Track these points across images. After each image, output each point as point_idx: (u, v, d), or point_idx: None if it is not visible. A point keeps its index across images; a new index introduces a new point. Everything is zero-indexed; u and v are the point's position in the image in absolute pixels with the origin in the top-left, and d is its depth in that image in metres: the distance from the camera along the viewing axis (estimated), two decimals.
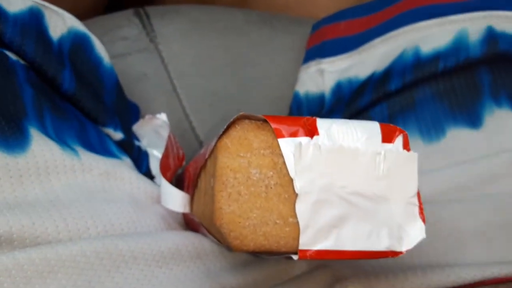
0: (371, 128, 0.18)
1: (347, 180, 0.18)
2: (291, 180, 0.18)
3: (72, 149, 0.23)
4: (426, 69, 0.29)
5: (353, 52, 0.34)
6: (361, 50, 0.33)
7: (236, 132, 0.18)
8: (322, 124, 0.18)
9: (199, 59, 0.36)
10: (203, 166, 0.21)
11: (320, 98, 0.34)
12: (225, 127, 0.18)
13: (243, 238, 0.17)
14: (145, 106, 0.33)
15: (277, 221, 0.18)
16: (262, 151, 0.18)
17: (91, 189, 0.22)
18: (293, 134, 0.18)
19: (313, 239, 0.17)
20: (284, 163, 0.18)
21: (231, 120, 0.18)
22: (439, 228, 0.26)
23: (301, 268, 0.24)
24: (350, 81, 0.33)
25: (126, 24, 0.35)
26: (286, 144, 0.18)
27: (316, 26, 0.37)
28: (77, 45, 0.27)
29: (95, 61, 0.28)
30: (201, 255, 0.22)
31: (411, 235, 0.18)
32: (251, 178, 0.18)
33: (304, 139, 0.18)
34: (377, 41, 0.32)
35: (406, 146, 0.19)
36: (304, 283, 0.23)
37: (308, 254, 0.17)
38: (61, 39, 0.26)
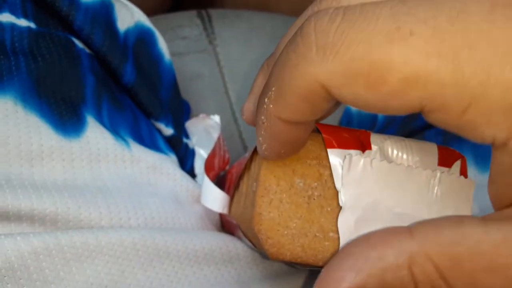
0: (428, 149, 0.18)
1: (396, 200, 0.17)
2: (336, 194, 0.17)
3: (124, 140, 0.23)
4: None
5: None
6: None
7: None
8: (376, 139, 0.17)
9: (255, 66, 0.36)
10: (247, 168, 0.21)
11: (373, 115, 0.33)
12: None
13: (280, 246, 0.17)
14: (196, 105, 0.33)
15: (317, 234, 0.17)
16: (308, 161, 0.18)
17: (138, 181, 0.23)
18: (344, 146, 0.17)
19: None
20: (330, 175, 0.17)
21: None
22: None
23: None
24: None
25: (188, 24, 0.36)
26: (335, 155, 0.17)
27: None
28: (142, 39, 0.27)
29: (157, 56, 0.28)
30: (233, 259, 0.22)
31: None
32: (294, 187, 0.17)
33: (355, 152, 0.17)
34: None
35: (463, 172, 0.18)
36: None
37: None
38: (127, 32, 0.26)
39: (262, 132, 0.16)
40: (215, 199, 0.23)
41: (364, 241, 0.15)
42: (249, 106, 0.19)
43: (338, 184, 0.17)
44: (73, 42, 0.24)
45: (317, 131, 0.18)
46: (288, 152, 0.17)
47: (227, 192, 0.24)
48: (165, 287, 0.20)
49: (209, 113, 0.31)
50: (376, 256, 0.14)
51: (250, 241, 0.20)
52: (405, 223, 0.17)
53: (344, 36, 0.13)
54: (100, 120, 0.23)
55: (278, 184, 0.17)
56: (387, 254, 0.14)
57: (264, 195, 0.17)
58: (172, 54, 0.33)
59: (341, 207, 0.17)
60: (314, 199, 0.17)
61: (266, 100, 0.15)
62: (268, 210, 0.17)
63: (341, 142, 0.17)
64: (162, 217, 0.22)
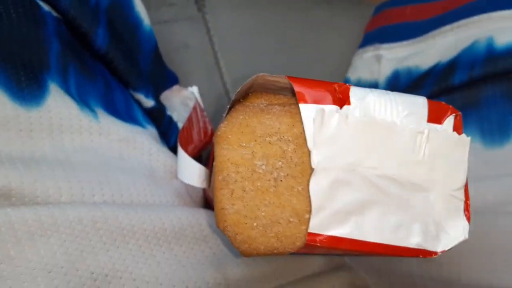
0: (417, 103, 0.15)
1: (378, 160, 0.15)
2: (305, 169, 0.15)
3: (92, 111, 0.22)
4: (500, 64, 0.25)
5: (417, 40, 0.30)
6: (426, 38, 0.30)
7: (236, 119, 0.15)
8: (356, 92, 0.15)
9: (248, 33, 0.34)
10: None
11: (373, 86, 0.31)
12: (228, 108, 0.16)
13: (252, 241, 0.15)
14: (185, 76, 0.31)
15: (291, 219, 0.15)
16: (267, 139, 0.15)
17: (106, 154, 0.21)
18: (318, 101, 0.15)
19: (327, 222, 0.15)
20: (295, 150, 0.15)
21: (238, 89, 0.16)
22: (487, 243, 0.23)
23: (317, 267, 0.22)
24: (409, 71, 0.29)
25: None
26: (308, 112, 0.15)
27: (379, 9, 0.34)
28: (116, 1, 0.25)
29: (134, 21, 0.26)
30: (207, 238, 0.20)
31: (450, 234, 0.15)
32: (256, 171, 0.15)
33: (329, 107, 0.15)
34: (445, 28, 0.29)
35: (457, 129, 0.15)
36: (316, 285, 0.21)
37: (318, 239, 0.15)
38: None
39: None
40: (192, 172, 0.21)
41: None
42: None
43: (310, 144, 0.15)
44: (37, 5, 0.22)
45: (270, 106, 0.16)
46: None
47: (210, 166, 0.22)
48: (130, 268, 0.18)
49: (198, 85, 0.29)
50: None
51: None
52: (388, 187, 0.15)
53: None
54: (66, 88, 0.21)
55: (238, 171, 0.15)
56: None
57: (223, 187, 0.15)
58: (158, 21, 0.31)
59: (313, 170, 0.15)
60: (281, 180, 0.15)
61: None
62: (231, 203, 0.15)
63: (315, 96, 0.15)
64: (132, 193, 0.20)
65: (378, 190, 0.15)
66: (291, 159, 0.15)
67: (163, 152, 0.23)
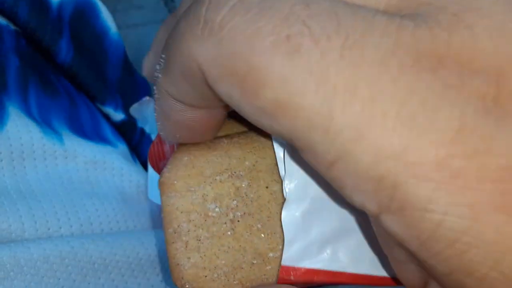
0: None
1: None
2: (262, 204, 0.14)
3: (56, 133, 0.20)
4: None
5: None
6: None
7: (180, 161, 0.14)
8: None
9: None
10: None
11: None
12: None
13: None
14: None
15: (254, 261, 0.14)
16: (218, 178, 0.14)
17: (73, 180, 0.20)
18: None
19: (301, 255, 0.14)
20: (249, 185, 0.14)
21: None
22: None
23: None
24: None
25: None
26: (280, 140, 0.14)
27: None
28: (80, 10, 0.24)
29: (100, 30, 0.25)
30: None
31: None
32: (210, 216, 0.14)
33: None
34: None
35: None
36: None
37: (292, 273, 0.14)
38: (62, 2, 0.23)
39: (155, 106, 0.13)
40: None
41: None
42: (149, 64, 0.15)
43: (282, 172, 0.14)
44: None
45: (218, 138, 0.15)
46: (186, 138, 0.14)
47: None
48: None
49: None
50: None
51: None
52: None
53: (233, 22, 0.10)
54: (27, 110, 0.20)
55: (189, 219, 0.14)
56: None
57: (175, 240, 0.14)
58: (126, 25, 0.30)
59: (284, 200, 0.14)
60: (238, 221, 0.14)
61: (157, 67, 0.12)
62: (187, 257, 0.14)
63: None
64: (103, 222, 0.19)
65: (354, 218, 0.14)
66: (246, 195, 0.14)
67: (135, 171, 0.22)
